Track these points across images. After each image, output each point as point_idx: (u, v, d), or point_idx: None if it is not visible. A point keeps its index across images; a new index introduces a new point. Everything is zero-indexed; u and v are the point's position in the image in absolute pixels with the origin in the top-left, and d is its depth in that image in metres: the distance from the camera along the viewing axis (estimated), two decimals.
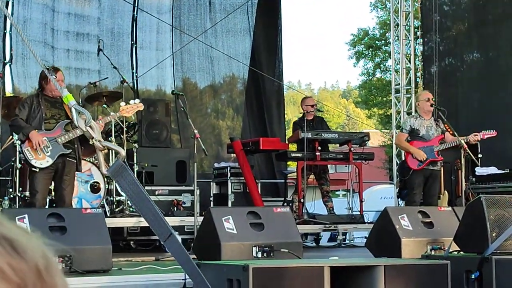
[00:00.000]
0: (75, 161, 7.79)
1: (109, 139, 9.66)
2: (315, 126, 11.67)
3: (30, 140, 7.60)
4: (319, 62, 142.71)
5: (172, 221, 9.53)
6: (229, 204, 11.43)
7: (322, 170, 11.63)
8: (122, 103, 8.13)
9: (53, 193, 8.37)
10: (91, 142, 7.24)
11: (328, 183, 11.72)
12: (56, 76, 7.19)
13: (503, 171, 11.36)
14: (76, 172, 8.03)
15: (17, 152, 9.27)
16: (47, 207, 8.23)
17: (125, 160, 8.63)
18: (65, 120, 7.73)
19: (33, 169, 7.63)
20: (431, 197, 10.12)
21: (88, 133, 5.27)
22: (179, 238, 2.18)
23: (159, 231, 2.16)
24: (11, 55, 13.13)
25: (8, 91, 12.73)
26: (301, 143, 10.98)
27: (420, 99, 10.41)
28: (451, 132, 10.10)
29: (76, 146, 7.78)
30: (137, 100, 8.23)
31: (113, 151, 9.77)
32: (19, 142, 8.00)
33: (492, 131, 10.29)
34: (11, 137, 9.49)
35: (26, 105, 7.80)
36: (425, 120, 10.16)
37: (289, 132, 14.54)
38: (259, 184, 11.90)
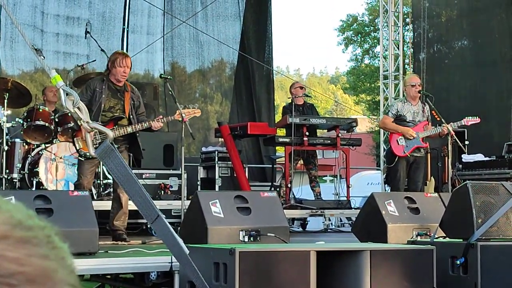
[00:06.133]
0: (125, 151, 7.82)
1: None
2: (305, 112, 11.66)
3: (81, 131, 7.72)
4: (308, 47, 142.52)
5: (159, 204, 9.52)
6: (216, 188, 11.44)
7: (310, 155, 11.63)
8: (181, 106, 8.16)
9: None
10: (79, 123, 7.27)
11: (316, 168, 11.73)
12: (44, 57, 7.15)
13: (490, 158, 11.42)
14: (63, 155, 8.12)
15: (4, 134, 9.25)
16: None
17: (113, 141, 8.68)
18: (120, 115, 7.77)
19: (80, 158, 7.82)
20: (415, 183, 10.14)
21: (76, 114, 5.26)
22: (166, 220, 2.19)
23: (146, 213, 2.16)
24: None
25: None
26: (290, 128, 10.98)
27: (407, 84, 10.39)
28: (438, 119, 10.11)
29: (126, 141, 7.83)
30: (196, 105, 8.30)
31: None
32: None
33: (476, 117, 10.32)
34: None
35: (89, 90, 7.80)
36: (412, 106, 10.14)
37: (278, 117, 14.55)
38: (247, 169, 11.91)
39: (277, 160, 13.45)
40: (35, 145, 9.66)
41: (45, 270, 0.76)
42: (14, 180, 9.49)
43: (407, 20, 15.61)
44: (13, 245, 0.76)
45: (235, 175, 11.48)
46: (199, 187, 11.71)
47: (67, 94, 4.66)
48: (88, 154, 7.68)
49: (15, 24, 6.57)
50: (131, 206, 8.78)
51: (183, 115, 8.04)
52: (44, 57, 6.64)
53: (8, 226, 0.77)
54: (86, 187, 7.85)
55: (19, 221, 0.79)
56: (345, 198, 11.32)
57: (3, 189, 9.03)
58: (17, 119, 9.71)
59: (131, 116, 7.82)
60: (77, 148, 7.77)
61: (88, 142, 6.46)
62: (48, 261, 0.77)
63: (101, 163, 7.90)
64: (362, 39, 34.73)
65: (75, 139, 7.80)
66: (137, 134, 7.84)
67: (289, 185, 10.91)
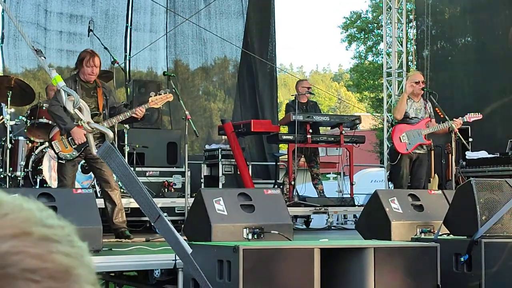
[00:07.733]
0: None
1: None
2: (308, 109, 11.65)
3: (70, 135, 7.58)
4: (311, 45, 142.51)
5: (162, 202, 9.54)
6: (220, 186, 11.44)
7: (312, 153, 11.62)
8: (152, 93, 8.03)
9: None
10: (79, 124, 7.24)
11: (318, 166, 11.72)
12: (45, 58, 7.13)
13: (493, 155, 11.40)
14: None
15: (8, 132, 9.25)
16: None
17: (113, 141, 8.57)
18: (94, 112, 7.64)
19: (60, 161, 7.68)
20: (418, 180, 10.12)
21: (76, 115, 5.23)
22: (167, 219, 2.19)
23: (149, 212, 2.16)
24: (2, 34, 13.05)
25: None
26: (293, 126, 10.97)
27: (410, 81, 10.37)
28: (442, 116, 10.09)
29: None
30: (167, 90, 8.13)
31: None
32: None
33: (478, 113, 10.29)
34: (1, 116, 9.47)
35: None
36: (414, 103, 10.13)
37: (281, 115, 14.54)
38: (250, 166, 11.91)
39: (280, 157, 13.45)
40: (39, 143, 9.67)
41: (66, 267, 0.78)
42: (17, 178, 9.50)
43: (411, 17, 15.59)
44: (35, 242, 0.78)
45: (238, 172, 11.48)
46: (202, 184, 11.71)
47: (68, 95, 4.66)
48: (68, 155, 7.64)
49: (16, 25, 6.56)
50: (134, 203, 8.81)
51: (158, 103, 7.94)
52: (44, 57, 6.64)
53: (30, 223, 0.79)
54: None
55: (40, 219, 0.81)
56: (349, 195, 11.31)
57: (7, 187, 9.03)
58: (20, 117, 9.72)
59: (105, 112, 7.77)
60: (56, 151, 7.67)
61: (90, 142, 6.45)
62: (69, 258, 0.79)
63: (90, 160, 7.76)
64: (366, 36, 34.68)
65: (52, 142, 7.70)
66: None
67: (292, 183, 10.90)
